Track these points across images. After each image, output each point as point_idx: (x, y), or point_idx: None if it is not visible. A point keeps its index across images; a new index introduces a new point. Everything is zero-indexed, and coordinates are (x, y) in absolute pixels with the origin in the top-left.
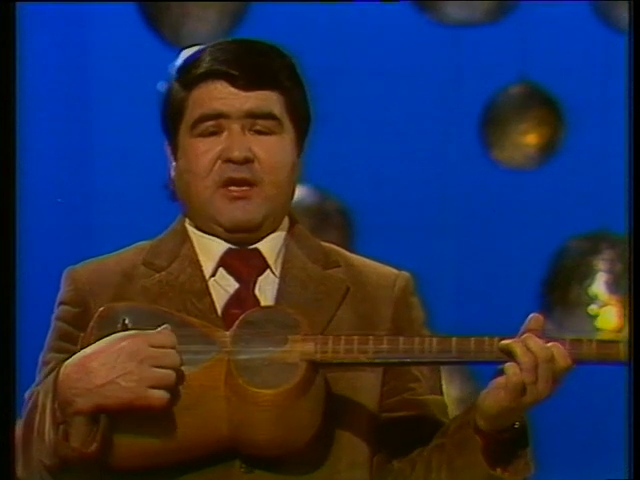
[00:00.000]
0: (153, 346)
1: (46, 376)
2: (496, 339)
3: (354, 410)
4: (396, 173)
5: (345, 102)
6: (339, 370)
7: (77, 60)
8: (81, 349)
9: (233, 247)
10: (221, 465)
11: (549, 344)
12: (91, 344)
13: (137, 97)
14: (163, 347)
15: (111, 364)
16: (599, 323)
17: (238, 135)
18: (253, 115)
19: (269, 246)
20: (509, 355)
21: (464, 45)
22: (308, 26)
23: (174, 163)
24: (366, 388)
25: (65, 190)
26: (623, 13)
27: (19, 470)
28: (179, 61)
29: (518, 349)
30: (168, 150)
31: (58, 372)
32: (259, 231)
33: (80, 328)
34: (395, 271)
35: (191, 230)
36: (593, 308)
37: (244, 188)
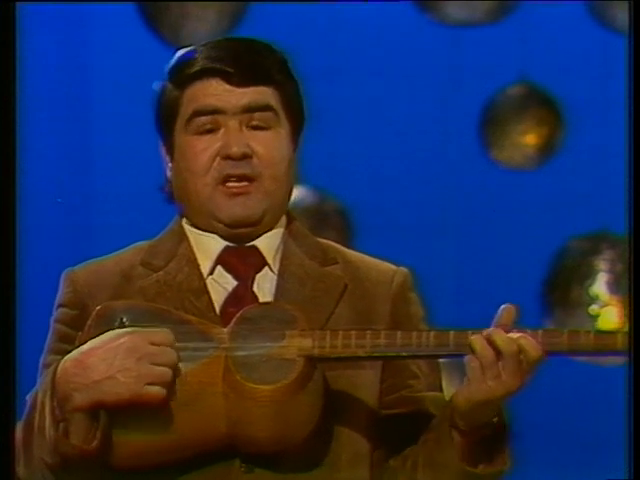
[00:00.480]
0: (152, 343)
1: None
2: None
3: (354, 407)
4: (395, 173)
5: (345, 102)
6: (337, 365)
7: (77, 60)
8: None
9: (231, 245)
10: (221, 465)
11: (517, 335)
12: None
13: (137, 97)
14: (161, 344)
15: (109, 360)
16: (600, 323)
17: (235, 131)
18: (250, 109)
19: (267, 243)
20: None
21: (464, 45)
22: (308, 26)
23: (170, 163)
24: (365, 385)
25: (65, 190)
26: (618, 13)
27: (20, 469)
28: (172, 61)
29: (478, 345)
30: (163, 150)
31: (56, 368)
32: (259, 227)
33: (79, 330)
34: (393, 267)
35: (188, 229)
36: (594, 308)
37: (243, 184)
